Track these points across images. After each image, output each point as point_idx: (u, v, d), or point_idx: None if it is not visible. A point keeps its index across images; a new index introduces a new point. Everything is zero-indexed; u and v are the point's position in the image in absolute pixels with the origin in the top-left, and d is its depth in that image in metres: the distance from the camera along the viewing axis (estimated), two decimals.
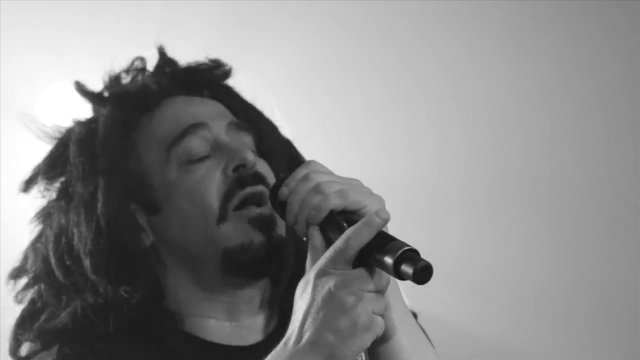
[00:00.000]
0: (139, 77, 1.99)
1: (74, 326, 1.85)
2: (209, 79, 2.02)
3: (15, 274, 1.99)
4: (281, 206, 1.79)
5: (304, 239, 1.78)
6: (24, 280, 1.98)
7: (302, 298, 1.68)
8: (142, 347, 1.85)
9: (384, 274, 1.69)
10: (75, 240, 1.87)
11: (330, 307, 1.64)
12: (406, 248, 1.64)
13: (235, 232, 1.87)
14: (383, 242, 1.67)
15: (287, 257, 1.95)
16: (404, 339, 1.77)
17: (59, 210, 1.93)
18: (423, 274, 1.62)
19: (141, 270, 1.89)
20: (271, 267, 1.93)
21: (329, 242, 1.74)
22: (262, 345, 1.92)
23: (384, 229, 1.69)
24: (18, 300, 1.98)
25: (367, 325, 1.65)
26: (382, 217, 1.67)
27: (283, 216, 1.80)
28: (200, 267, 1.90)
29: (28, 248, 2.00)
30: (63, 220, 1.91)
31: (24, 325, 1.94)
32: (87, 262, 1.86)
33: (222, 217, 1.87)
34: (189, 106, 1.94)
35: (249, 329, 1.95)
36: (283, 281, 1.96)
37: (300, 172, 1.77)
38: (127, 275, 1.87)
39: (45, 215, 1.97)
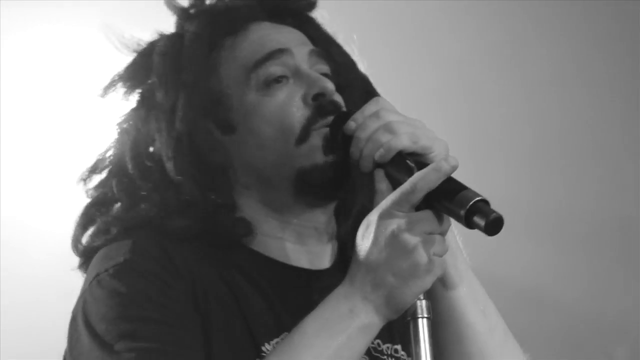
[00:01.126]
0: None
1: (153, 219, 1.91)
2: (294, 8, 2.06)
3: (86, 176, 2.02)
4: (343, 139, 1.86)
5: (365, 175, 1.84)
6: (95, 179, 2.03)
7: (365, 238, 1.75)
8: (209, 255, 1.89)
9: (447, 216, 1.75)
10: (157, 145, 1.94)
11: (392, 249, 1.72)
12: (478, 199, 1.71)
13: (311, 152, 1.90)
14: (451, 188, 1.74)
15: (354, 187, 1.99)
16: (466, 290, 1.86)
17: (138, 117, 1.98)
18: (494, 225, 1.69)
19: (220, 181, 1.94)
20: (339, 190, 1.96)
21: (393, 183, 1.79)
22: (329, 271, 1.97)
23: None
24: (88, 195, 2.01)
25: (428, 267, 1.73)
26: (451, 164, 1.74)
27: (342, 148, 1.86)
28: (273, 187, 1.94)
29: (107, 150, 2.03)
30: (141, 126, 1.96)
31: (92, 212, 1.98)
32: (170, 165, 1.91)
33: (302, 139, 1.91)
34: (273, 32, 2.00)
35: (316, 254, 1.97)
36: (349, 216, 1.99)
37: (370, 108, 1.84)
38: (208, 181, 1.92)
39: (120, 122, 2.01)
